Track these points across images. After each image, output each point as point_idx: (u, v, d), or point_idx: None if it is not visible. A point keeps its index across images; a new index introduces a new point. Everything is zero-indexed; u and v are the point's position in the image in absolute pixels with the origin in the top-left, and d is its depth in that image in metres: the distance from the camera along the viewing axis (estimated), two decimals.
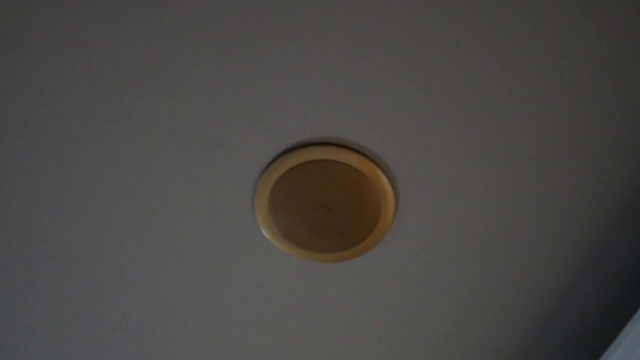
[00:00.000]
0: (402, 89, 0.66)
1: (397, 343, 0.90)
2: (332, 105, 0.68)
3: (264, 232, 0.75)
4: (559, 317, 0.87)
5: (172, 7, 0.61)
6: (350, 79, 0.66)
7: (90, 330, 0.88)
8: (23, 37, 0.63)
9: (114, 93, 0.67)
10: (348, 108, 0.68)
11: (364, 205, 0.74)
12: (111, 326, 0.88)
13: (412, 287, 0.83)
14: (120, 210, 0.75)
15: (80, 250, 0.79)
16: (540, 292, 0.83)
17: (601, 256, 0.79)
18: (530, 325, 0.88)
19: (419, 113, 0.68)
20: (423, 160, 0.72)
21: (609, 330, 0.87)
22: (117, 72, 0.65)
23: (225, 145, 0.70)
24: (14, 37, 0.63)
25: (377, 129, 0.69)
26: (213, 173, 0.72)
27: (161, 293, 0.84)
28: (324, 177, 0.72)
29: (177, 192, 0.74)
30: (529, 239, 0.78)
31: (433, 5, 0.60)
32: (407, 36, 0.63)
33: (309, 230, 0.75)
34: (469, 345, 0.90)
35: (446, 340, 0.89)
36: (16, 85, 0.66)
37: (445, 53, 0.64)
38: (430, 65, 0.65)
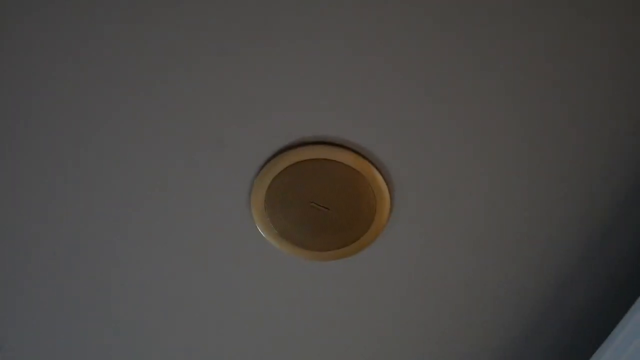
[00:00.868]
0: (399, 90, 0.67)
1: (392, 341, 0.90)
2: (329, 104, 0.68)
3: (260, 230, 0.76)
4: (552, 314, 0.88)
5: (171, 7, 0.62)
6: (347, 80, 0.66)
7: (89, 326, 0.89)
8: (27, 36, 0.64)
9: (112, 92, 0.67)
10: (345, 108, 0.69)
11: (359, 204, 0.75)
12: (109, 321, 0.89)
13: (408, 284, 0.83)
14: (118, 208, 0.76)
15: (80, 249, 0.80)
16: (534, 289, 0.84)
17: (593, 255, 0.80)
18: (524, 321, 0.88)
19: (414, 113, 0.69)
20: (418, 160, 0.72)
21: (602, 327, 0.88)
22: (117, 72, 0.66)
23: (223, 143, 0.71)
24: (15, 35, 0.63)
25: (373, 128, 0.70)
26: (210, 171, 0.73)
27: (157, 289, 0.85)
28: (320, 175, 0.73)
29: (174, 189, 0.75)
30: (522, 238, 0.79)
31: (428, 7, 0.61)
32: (403, 38, 0.63)
33: (305, 228, 0.76)
34: (463, 341, 0.91)
35: (440, 337, 0.90)
36: (17, 84, 0.67)
37: (441, 54, 0.64)
38: (427, 66, 0.65)
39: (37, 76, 0.66)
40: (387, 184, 0.74)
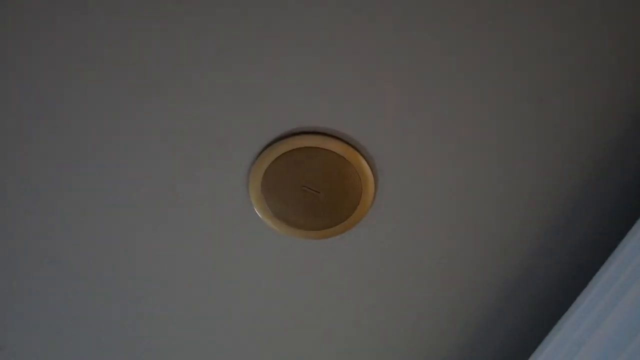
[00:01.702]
0: (384, 83, 0.74)
1: (377, 312, 0.99)
2: (320, 98, 0.75)
3: (258, 212, 0.83)
4: (520, 291, 0.97)
5: (170, 9, 0.68)
6: (336, 74, 0.73)
7: (91, 310, 0.96)
8: (30, 37, 0.69)
9: (116, 92, 0.73)
10: (334, 100, 0.75)
11: (346, 188, 0.82)
12: (111, 302, 0.96)
13: (391, 261, 0.92)
14: (123, 194, 0.83)
15: (82, 239, 0.86)
16: (504, 269, 0.93)
17: (560, 236, 0.89)
18: (497, 296, 0.98)
19: (398, 104, 0.76)
20: (401, 148, 0.80)
21: (564, 304, 0.98)
22: (119, 71, 0.72)
23: (223, 135, 0.77)
24: (21, 38, 0.69)
25: (359, 119, 0.77)
26: (211, 160, 0.80)
27: (159, 269, 0.92)
28: (312, 162, 0.80)
29: (177, 177, 0.81)
30: (495, 219, 0.87)
31: (418, 7, 0.68)
32: (390, 36, 0.70)
33: (298, 210, 0.83)
34: (442, 315, 1.00)
35: (421, 310, 0.99)
36: (24, 84, 0.73)
37: (423, 53, 0.72)
38: (409, 63, 0.72)
39: (42, 73, 0.72)
40: (372, 170, 0.81)
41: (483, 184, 0.83)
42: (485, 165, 0.81)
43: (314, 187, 0.82)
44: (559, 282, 0.95)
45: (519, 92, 0.75)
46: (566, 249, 0.90)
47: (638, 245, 0.76)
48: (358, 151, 0.79)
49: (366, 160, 0.80)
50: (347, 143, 0.79)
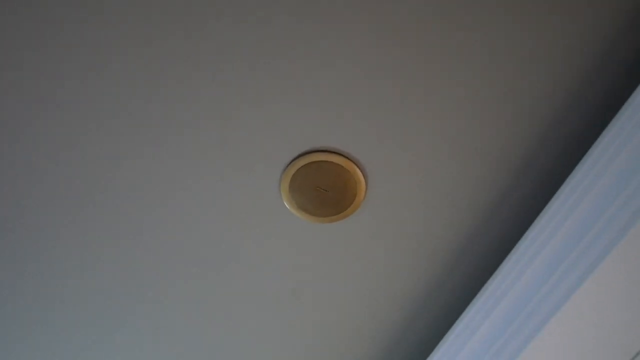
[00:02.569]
0: (375, 110, 1.02)
1: (368, 276, 1.31)
2: (327, 127, 1.11)
3: (286, 205, 1.19)
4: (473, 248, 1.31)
5: (204, 20, 1.04)
6: (344, 107, 1.06)
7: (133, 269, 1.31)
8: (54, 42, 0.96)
9: (183, 118, 1.10)
10: (337, 128, 1.11)
11: (346, 188, 1.16)
12: (153, 278, 1.28)
13: (378, 239, 1.22)
14: (196, 194, 1.19)
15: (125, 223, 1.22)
16: (460, 237, 1.28)
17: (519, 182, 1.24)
18: (448, 263, 1.31)
19: (385, 128, 1.06)
20: (386, 161, 1.09)
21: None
22: (163, 73, 1.09)
23: (264, 153, 1.13)
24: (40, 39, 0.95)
25: (354, 141, 1.13)
26: (254, 171, 1.13)
27: (200, 246, 1.21)
28: (322, 170, 1.15)
29: (231, 183, 1.15)
30: (459, 202, 1.18)
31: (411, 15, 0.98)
32: (383, 64, 1.00)
33: (313, 203, 1.18)
34: (421, 278, 1.35)
35: (403, 275, 1.34)
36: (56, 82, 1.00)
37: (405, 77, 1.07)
38: (394, 95, 1.05)
39: (76, 72, 1.02)
40: (363, 176, 1.16)
41: (439, 187, 1.20)
42: (454, 163, 1.18)
43: (323, 187, 1.13)
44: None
45: (489, 98, 1.13)
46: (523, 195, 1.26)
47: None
48: (353, 162, 1.14)
49: (359, 169, 1.14)
50: (346, 157, 1.12)
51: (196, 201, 1.18)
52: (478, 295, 1.19)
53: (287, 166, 1.12)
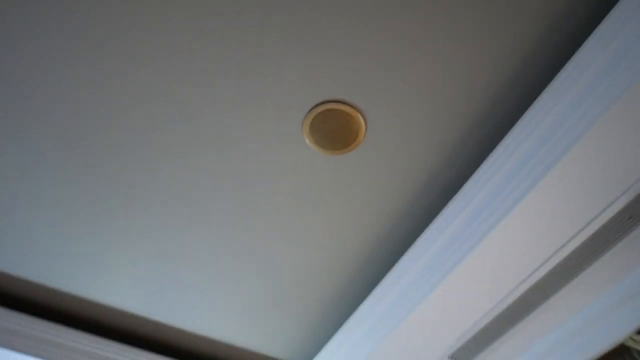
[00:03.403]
0: (378, 68, 1.50)
1: (365, 197, 1.78)
2: (339, 81, 1.52)
3: (306, 140, 1.61)
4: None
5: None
6: (351, 67, 1.49)
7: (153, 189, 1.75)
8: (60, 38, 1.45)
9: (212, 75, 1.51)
10: (348, 82, 1.52)
11: (350, 129, 1.59)
12: (184, 188, 1.76)
13: (375, 168, 1.68)
14: (240, 125, 1.61)
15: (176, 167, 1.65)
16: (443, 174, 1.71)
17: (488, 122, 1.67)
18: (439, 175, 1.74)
19: (382, 82, 1.52)
20: (383, 109, 1.55)
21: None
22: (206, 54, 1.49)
23: (291, 101, 1.55)
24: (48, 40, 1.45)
25: (360, 92, 1.53)
26: (285, 114, 1.55)
27: (234, 174, 1.69)
28: (335, 116, 1.57)
29: (267, 123, 1.59)
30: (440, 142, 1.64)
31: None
32: (391, 34, 1.47)
33: (326, 140, 1.59)
34: (403, 201, 1.78)
35: (390, 196, 1.77)
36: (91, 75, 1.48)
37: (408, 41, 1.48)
38: (395, 51, 1.49)
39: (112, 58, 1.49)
40: (364, 120, 1.58)
41: (433, 130, 1.61)
42: (432, 114, 1.59)
43: (334, 128, 1.59)
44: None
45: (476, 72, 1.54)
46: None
47: None
48: (357, 109, 1.57)
49: (361, 115, 1.57)
50: (351, 105, 1.56)
51: (241, 134, 1.60)
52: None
53: (309, 112, 1.54)
